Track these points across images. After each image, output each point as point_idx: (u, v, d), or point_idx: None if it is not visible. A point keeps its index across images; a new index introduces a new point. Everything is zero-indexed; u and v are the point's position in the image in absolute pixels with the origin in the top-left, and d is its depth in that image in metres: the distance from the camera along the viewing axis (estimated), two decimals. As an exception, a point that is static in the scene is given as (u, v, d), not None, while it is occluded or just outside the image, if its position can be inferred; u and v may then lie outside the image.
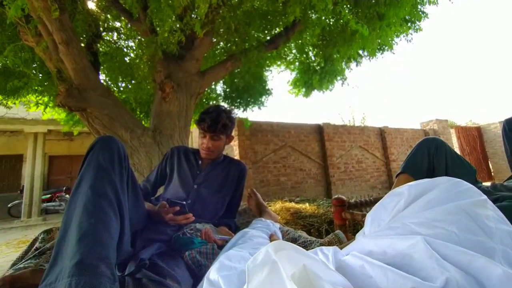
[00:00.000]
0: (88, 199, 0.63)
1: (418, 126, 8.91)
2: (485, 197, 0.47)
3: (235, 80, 3.63)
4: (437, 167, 1.34)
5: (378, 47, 3.32)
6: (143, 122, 3.50)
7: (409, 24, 3.02)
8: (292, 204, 3.39)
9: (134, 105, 3.41)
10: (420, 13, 2.91)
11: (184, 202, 0.98)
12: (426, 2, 2.93)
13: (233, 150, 5.61)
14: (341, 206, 1.80)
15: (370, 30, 2.58)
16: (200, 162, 1.26)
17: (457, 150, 8.13)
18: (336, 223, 1.83)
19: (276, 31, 3.18)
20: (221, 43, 3.21)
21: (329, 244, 0.93)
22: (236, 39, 2.65)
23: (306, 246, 0.96)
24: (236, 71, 3.39)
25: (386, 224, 0.49)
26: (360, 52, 3.50)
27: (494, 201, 1.12)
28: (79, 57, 2.04)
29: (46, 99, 3.19)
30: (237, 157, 5.38)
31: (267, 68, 4.06)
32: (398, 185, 1.42)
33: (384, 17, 2.53)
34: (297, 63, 4.07)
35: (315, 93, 4.09)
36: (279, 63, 4.20)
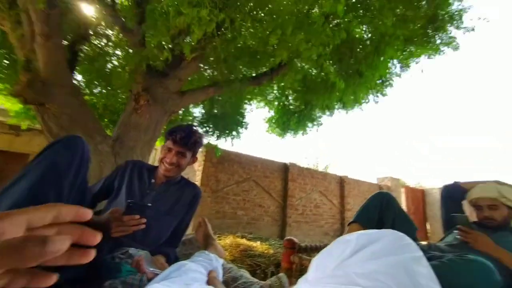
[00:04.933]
0: (20, 199, 0.53)
1: (374, 181, 9.59)
2: (421, 253, 0.50)
3: (215, 106, 3.68)
4: (385, 220, 1.43)
5: (353, 102, 3.68)
6: (108, 131, 3.32)
7: (379, 87, 3.46)
8: (244, 241, 3.31)
9: (101, 111, 3.23)
10: (390, 77, 3.39)
11: (150, 204, 0.91)
12: (394, 73, 3.45)
13: (196, 175, 5.44)
14: (291, 249, 1.77)
15: (349, 84, 2.90)
16: (153, 180, 1.17)
17: (404, 207, 8.80)
18: (283, 266, 1.77)
19: (262, 70, 3.39)
20: (208, 70, 3.31)
21: (270, 287, 0.91)
22: (224, 70, 2.76)
23: (246, 287, 0.93)
24: (217, 98, 3.46)
25: (330, 271, 0.49)
26: (335, 104, 3.85)
27: (428, 259, 1.21)
28: (54, 51, 1.94)
29: (1, 86, 2.91)
30: (198, 183, 5.20)
31: (247, 102, 4.22)
32: (348, 233, 1.48)
33: (363, 75, 2.86)
34: (276, 103, 4.30)
35: (289, 135, 4.30)
36: (259, 99, 4.40)
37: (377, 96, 3.54)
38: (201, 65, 2.79)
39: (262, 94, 4.11)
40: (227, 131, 3.85)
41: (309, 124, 3.96)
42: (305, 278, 0.53)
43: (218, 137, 3.90)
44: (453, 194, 1.67)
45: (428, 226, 9.34)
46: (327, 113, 3.91)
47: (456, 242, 1.37)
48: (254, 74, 3.23)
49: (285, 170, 6.63)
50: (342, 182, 7.95)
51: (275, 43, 2.00)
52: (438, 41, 3.05)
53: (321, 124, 4.06)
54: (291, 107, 4.01)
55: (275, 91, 4.23)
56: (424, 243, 1.48)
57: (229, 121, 3.71)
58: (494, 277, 0.93)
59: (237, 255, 2.94)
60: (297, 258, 1.76)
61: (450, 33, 3.03)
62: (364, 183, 8.78)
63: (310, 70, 3.56)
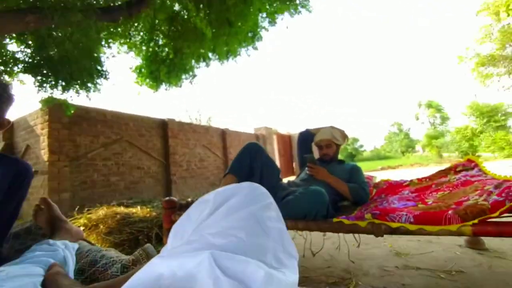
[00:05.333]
0: None
1: (252, 131, 10.68)
2: (271, 199, 0.53)
3: (48, 46, 2.63)
4: (255, 168, 1.58)
5: (226, 53, 3.62)
6: None
7: (250, 40, 3.53)
8: (121, 209, 2.96)
9: None
10: (259, 30, 3.52)
11: None
12: (263, 27, 3.59)
13: (40, 141, 4.14)
14: (171, 209, 1.72)
15: (220, 34, 2.76)
16: None
17: (276, 151, 10.50)
18: (165, 226, 1.73)
19: (116, 3, 2.63)
20: None
21: (134, 262, 0.81)
22: None
23: (106, 269, 0.79)
24: (49, 32, 2.45)
25: (187, 236, 0.45)
26: (210, 54, 3.67)
27: (287, 195, 1.46)
28: None
29: None
30: (45, 150, 4.01)
31: (104, 44, 3.31)
32: (224, 184, 1.54)
33: (233, 25, 2.78)
34: (143, 48, 3.64)
35: (163, 88, 3.85)
36: (123, 41, 3.56)
37: (248, 49, 3.65)
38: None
39: (125, 35, 3.34)
40: (77, 82, 2.95)
41: (183, 76, 3.67)
42: (165, 247, 0.48)
43: (64, 90, 2.94)
44: (306, 138, 2.04)
45: (294, 164, 11.68)
46: (202, 63, 3.71)
47: (306, 177, 1.72)
48: (103, 6, 2.47)
49: (164, 126, 6.18)
50: (223, 134, 8.36)
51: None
52: (297, 1, 3.37)
53: (195, 75, 3.83)
54: (161, 53, 3.52)
55: (141, 34, 3.54)
56: (285, 181, 1.76)
57: (76, 68, 2.80)
58: (324, 198, 1.23)
59: (114, 225, 2.64)
60: (178, 216, 1.72)
61: None
62: (244, 134, 9.63)
63: (182, 13, 3.15)
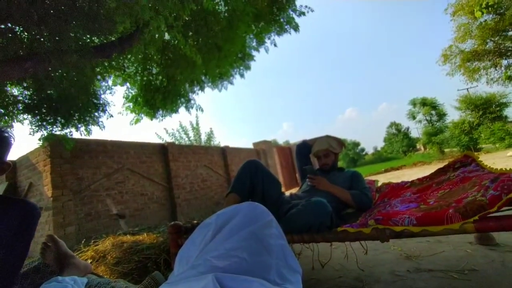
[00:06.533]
0: None
1: (251, 146, 10.73)
2: (271, 217, 0.54)
3: (46, 86, 2.72)
4: (256, 185, 1.59)
5: (219, 76, 3.73)
6: None
7: (240, 61, 3.65)
8: (127, 237, 2.93)
9: None
10: (249, 51, 3.64)
11: None
12: (253, 47, 3.71)
13: (42, 177, 4.17)
14: (177, 233, 1.72)
15: (211, 59, 2.87)
16: None
17: (278, 164, 10.48)
18: (172, 251, 1.73)
19: (109, 39, 2.75)
20: (22, 34, 2.31)
21: None
22: (45, 34, 1.98)
23: None
24: (45, 75, 2.55)
25: (192, 261, 0.47)
26: (203, 77, 3.78)
27: (291, 208, 1.47)
28: None
29: None
30: (48, 187, 4.03)
31: (99, 78, 3.42)
32: (227, 204, 1.55)
33: (222, 49, 2.89)
34: (138, 77, 3.74)
35: (160, 115, 3.92)
36: (118, 74, 3.67)
37: (241, 70, 3.75)
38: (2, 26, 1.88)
39: (119, 67, 3.45)
40: (76, 117, 3.03)
41: (179, 102, 3.75)
42: (172, 274, 0.51)
43: (64, 126, 3.01)
44: (303, 150, 2.06)
45: (297, 176, 11.62)
46: (197, 88, 3.81)
47: (308, 188, 1.73)
48: (98, 43, 2.58)
49: (164, 151, 6.22)
50: (224, 152, 8.39)
51: (113, 6, 1.61)
52: (282, 20, 3.50)
53: (189, 100, 3.91)
54: (155, 82, 3.62)
55: (135, 65, 3.66)
56: (287, 193, 1.77)
57: (74, 104, 2.88)
58: (326, 208, 1.23)
59: (122, 255, 2.60)
60: (184, 240, 1.72)
61: (291, 15, 3.52)
62: (244, 150, 9.66)
63: (172, 41, 3.28)
